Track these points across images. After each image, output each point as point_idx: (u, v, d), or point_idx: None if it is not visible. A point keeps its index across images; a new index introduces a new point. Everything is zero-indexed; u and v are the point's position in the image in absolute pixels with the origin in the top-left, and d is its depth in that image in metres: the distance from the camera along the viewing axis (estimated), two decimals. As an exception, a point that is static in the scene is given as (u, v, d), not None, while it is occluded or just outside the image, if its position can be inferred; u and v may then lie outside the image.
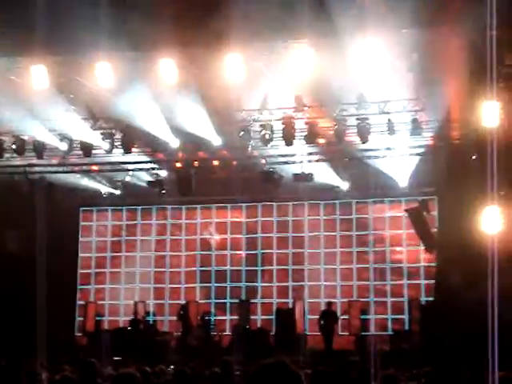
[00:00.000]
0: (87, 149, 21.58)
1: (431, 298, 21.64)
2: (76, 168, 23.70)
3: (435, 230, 21.17)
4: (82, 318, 25.06)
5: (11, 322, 21.70)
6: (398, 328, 23.05)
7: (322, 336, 22.03)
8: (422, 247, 22.11)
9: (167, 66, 17.98)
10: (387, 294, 23.99)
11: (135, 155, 22.36)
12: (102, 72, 18.12)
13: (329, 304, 22.61)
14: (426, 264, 23.18)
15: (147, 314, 24.86)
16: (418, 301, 22.75)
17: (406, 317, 23.11)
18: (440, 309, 19.03)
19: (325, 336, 21.87)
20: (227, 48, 17.19)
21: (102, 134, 21.33)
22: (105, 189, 25.36)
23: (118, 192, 25.50)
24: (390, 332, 23.13)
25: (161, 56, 17.90)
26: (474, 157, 18.14)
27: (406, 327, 22.85)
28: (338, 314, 22.62)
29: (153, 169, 23.46)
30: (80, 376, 8.45)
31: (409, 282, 23.85)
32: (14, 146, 21.50)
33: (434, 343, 17.72)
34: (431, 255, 21.71)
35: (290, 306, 23.71)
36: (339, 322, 22.46)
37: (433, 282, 21.30)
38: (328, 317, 22.09)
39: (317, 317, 22.74)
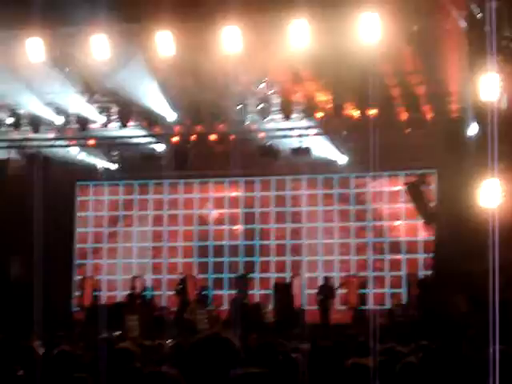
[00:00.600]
0: (83, 123, 21.48)
1: (429, 273, 21.63)
2: (72, 142, 23.55)
3: (434, 204, 21.12)
4: (79, 293, 25.04)
5: (8, 297, 21.69)
6: (395, 302, 23.05)
7: (319, 310, 22.05)
8: (421, 221, 22.06)
9: (164, 38, 17.77)
10: (385, 268, 24.00)
11: (132, 129, 22.24)
12: (99, 45, 17.90)
13: (326, 279, 22.62)
14: (425, 238, 23.14)
15: (145, 288, 24.85)
16: (416, 275, 22.76)
17: (404, 291, 23.11)
18: (438, 283, 19.04)
19: (322, 310, 21.88)
20: (224, 20, 17.01)
21: (98, 107, 21.20)
22: (101, 163, 25.22)
23: (114, 166, 25.35)
24: (387, 306, 23.17)
25: (158, 28, 17.70)
26: (474, 131, 18.06)
27: (404, 302, 22.86)
28: (336, 287, 22.61)
29: (150, 143, 23.32)
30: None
31: (407, 256, 23.84)
32: (9, 120, 21.37)
33: (432, 317, 17.73)
34: (430, 229, 21.67)
35: (288, 280, 23.71)
36: (337, 297, 22.45)
37: (431, 256, 21.30)
38: (325, 291, 22.10)
39: (315, 291, 22.75)
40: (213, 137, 22.78)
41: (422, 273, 23.00)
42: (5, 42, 18.65)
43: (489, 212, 14.11)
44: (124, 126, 21.33)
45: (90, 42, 18.04)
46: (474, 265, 15.20)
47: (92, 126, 21.66)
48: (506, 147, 14.03)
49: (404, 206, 23.61)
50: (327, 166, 23.92)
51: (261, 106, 20.36)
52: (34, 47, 18.13)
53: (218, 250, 25.48)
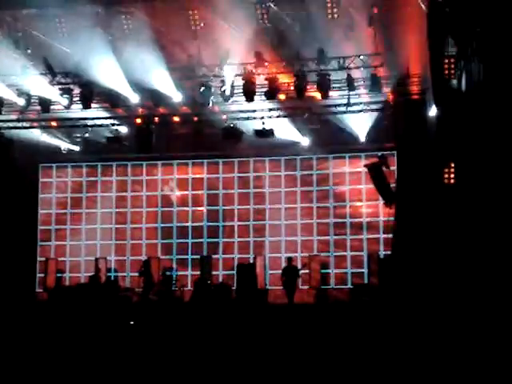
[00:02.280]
0: (46, 104, 21.38)
1: (389, 252, 21.94)
2: (35, 124, 23.42)
3: (394, 184, 21.39)
4: (42, 275, 25.03)
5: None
6: (357, 282, 23.38)
7: (283, 291, 22.29)
8: (381, 202, 22.34)
9: (128, 20, 17.78)
10: (347, 248, 24.28)
11: (94, 111, 22.18)
12: (61, 26, 17.86)
13: (289, 259, 22.82)
14: (385, 218, 23.43)
15: (108, 270, 24.92)
16: (377, 255, 23.07)
17: (365, 270, 23.43)
18: (398, 262, 19.33)
19: (287, 291, 22.10)
20: (188, 2, 17.05)
21: (60, 89, 21.10)
22: (64, 145, 25.12)
23: (77, 148, 25.26)
24: (349, 285, 23.50)
25: (122, 10, 17.69)
26: (434, 112, 18.32)
27: (366, 281, 23.19)
28: (299, 268, 22.84)
29: (112, 125, 23.27)
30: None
31: (368, 236, 24.14)
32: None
33: (393, 296, 18.03)
34: (390, 210, 21.94)
35: (251, 261, 23.90)
36: (300, 277, 22.68)
37: (391, 236, 21.59)
38: (289, 272, 22.31)
39: (278, 272, 22.97)
40: (176, 118, 22.81)
41: (383, 252, 23.35)
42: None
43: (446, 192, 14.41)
44: (86, 107, 21.25)
45: (53, 23, 18.00)
46: (431, 244, 15.51)
47: (54, 107, 21.54)
48: (464, 128, 14.32)
49: (365, 186, 23.89)
50: (290, 147, 24.07)
51: (224, 87, 20.41)
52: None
53: (182, 231, 25.57)
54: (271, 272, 24.18)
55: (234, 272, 23.36)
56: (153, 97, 21.08)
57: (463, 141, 14.96)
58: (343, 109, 21.19)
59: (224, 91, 20.47)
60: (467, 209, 13.88)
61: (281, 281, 22.40)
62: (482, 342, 10.71)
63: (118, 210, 26.09)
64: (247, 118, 22.20)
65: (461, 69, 15.86)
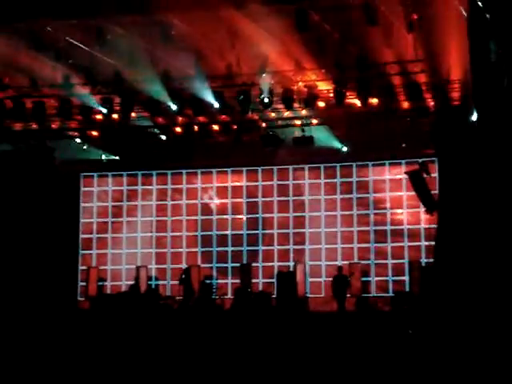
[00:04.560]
0: (87, 113, 21.54)
1: (431, 260, 21.72)
2: (76, 133, 23.61)
3: (435, 191, 21.19)
4: (84, 283, 25.21)
5: (16, 286, 21.84)
6: (398, 289, 23.19)
7: (324, 298, 22.23)
8: (423, 209, 22.14)
9: (167, 28, 17.85)
10: (388, 255, 24.11)
11: (134, 120, 22.30)
12: (101, 36, 18.00)
13: (340, 268, 22.57)
14: (427, 226, 23.25)
15: (149, 278, 25.03)
16: (419, 262, 22.87)
17: (406, 278, 23.24)
18: (440, 270, 19.11)
19: (338, 300, 21.91)
20: (227, 11, 17.06)
21: (101, 98, 21.25)
22: (105, 154, 25.31)
23: (118, 157, 25.44)
24: (390, 293, 23.31)
25: (160, 19, 17.75)
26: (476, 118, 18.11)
27: (407, 289, 23.00)
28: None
29: (153, 133, 23.37)
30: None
31: (409, 243, 23.95)
32: (14, 111, 21.42)
33: (434, 305, 17.82)
34: (431, 217, 21.74)
35: (291, 269, 23.84)
36: (350, 286, 22.47)
37: (433, 243, 21.37)
38: (340, 281, 22.13)
39: (318, 280, 22.92)
40: (215, 127, 22.85)
41: (424, 260, 23.14)
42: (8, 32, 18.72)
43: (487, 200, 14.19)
44: (126, 116, 21.38)
45: (92, 33, 18.14)
46: (474, 253, 15.30)
47: (95, 116, 21.70)
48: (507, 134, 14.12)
49: (406, 193, 23.71)
50: (329, 154, 23.99)
51: (263, 95, 20.41)
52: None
53: (222, 239, 25.60)
54: (311, 280, 24.09)
55: (274, 280, 23.33)
56: (192, 105, 21.14)
57: (505, 147, 14.75)
58: (383, 115, 21.05)
59: (263, 99, 20.46)
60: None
61: (331, 289, 22.22)
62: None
63: (158, 219, 26.22)
64: (286, 126, 22.18)
65: (503, 74, 15.65)
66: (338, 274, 22.41)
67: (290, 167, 25.29)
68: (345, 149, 23.65)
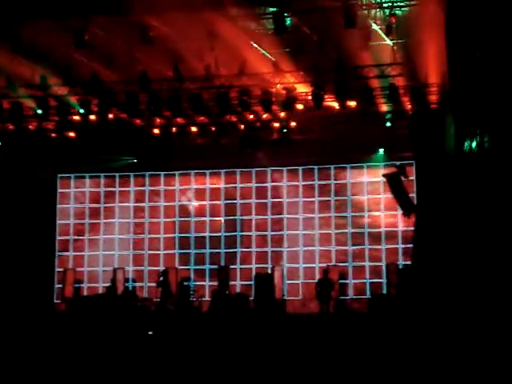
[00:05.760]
0: (64, 114, 21.41)
1: (409, 262, 21.82)
2: (53, 134, 23.45)
3: (413, 194, 21.30)
4: (60, 285, 25.08)
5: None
6: (375, 291, 23.26)
7: (301, 301, 22.21)
8: (400, 211, 22.23)
9: (146, 30, 17.79)
10: (365, 258, 24.17)
11: (112, 121, 22.18)
12: (79, 36, 17.94)
13: (325, 272, 22.39)
14: (404, 228, 23.34)
15: (126, 280, 24.94)
16: (396, 265, 22.96)
17: (383, 280, 23.32)
18: (417, 273, 19.19)
19: (321, 302, 21.73)
20: (206, 13, 17.03)
21: (78, 99, 21.13)
22: (82, 155, 25.14)
23: (95, 158, 25.30)
24: (367, 296, 23.37)
25: (139, 21, 17.68)
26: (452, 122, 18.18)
27: (384, 291, 23.07)
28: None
29: (130, 135, 23.27)
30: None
31: (387, 246, 24.03)
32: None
33: (411, 306, 17.89)
34: (409, 220, 21.84)
35: (269, 271, 23.85)
36: (334, 289, 22.36)
37: (410, 246, 21.48)
38: (324, 284, 21.98)
39: (296, 282, 22.93)
40: (194, 129, 22.81)
41: (402, 262, 23.24)
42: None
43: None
44: (104, 117, 21.28)
45: (70, 34, 18.05)
46: (451, 254, 15.38)
47: (72, 117, 21.58)
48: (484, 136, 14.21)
49: (383, 196, 23.79)
50: (307, 157, 24.02)
51: (241, 97, 20.38)
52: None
53: (200, 241, 25.55)
54: (289, 282, 24.12)
55: (252, 282, 23.34)
56: (170, 107, 21.07)
57: (482, 150, 14.85)
58: (361, 118, 21.10)
59: (241, 101, 20.43)
60: (489, 219, 13.77)
61: (315, 292, 22.07)
62: (504, 357, 10.59)
63: (135, 221, 26.12)
64: (265, 128, 22.17)
65: (479, 79, 15.74)
66: (323, 277, 22.23)
67: (268, 169, 25.29)
68: (322, 151, 23.70)
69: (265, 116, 21.50)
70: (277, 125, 22.10)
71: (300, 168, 25.11)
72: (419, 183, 21.56)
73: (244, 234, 25.38)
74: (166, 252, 25.73)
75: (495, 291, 12.71)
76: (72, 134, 23.23)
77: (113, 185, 26.45)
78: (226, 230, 25.52)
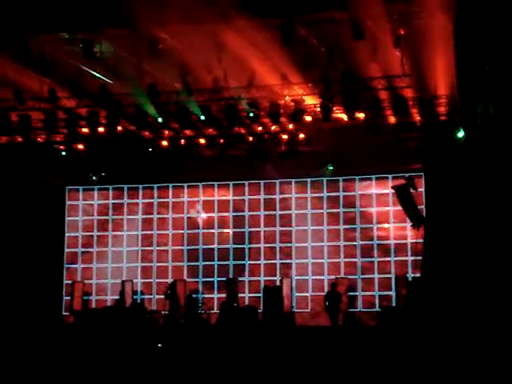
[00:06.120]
0: (73, 127, 21.43)
1: (418, 275, 21.72)
2: (62, 147, 23.48)
3: (422, 206, 21.22)
4: (69, 298, 25.06)
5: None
6: (385, 304, 23.16)
7: (310, 313, 22.14)
8: (409, 224, 22.16)
9: (154, 43, 17.82)
10: (374, 270, 24.09)
11: (121, 133, 22.20)
12: (88, 49, 17.97)
13: (333, 285, 22.36)
14: (413, 240, 23.25)
15: (135, 292, 24.91)
16: (405, 277, 22.86)
17: (393, 293, 23.22)
18: (427, 285, 19.10)
19: (330, 315, 21.69)
20: (214, 26, 17.05)
21: (87, 112, 21.15)
22: (91, 167, 25.19)
23: (104, 171, 25.33)
24: (377, 309, 23.27)
25: (148, 33, 17.71)
26: (462, 134, 18.14)
27: (393, 304, 22.97)
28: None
29: (138, 147, 23.27)
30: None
31: (396, 258, 23.95)
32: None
33: (421, 319, 17.80)
34: (418, 232, 21.76)
35: (278, 283, 23.78)
36: (342, 302, 22.29)
37: (420, 258, 21.37)
38: (333, 297, 21.93)
39: (305, 294, 22.85)
40: (202, 141, 22.80)
41: (411, 275, 23.14)
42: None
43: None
44: (112, 129, 21.28)
45: (80, 47, 18.11)
46: (461, 267, 15.30)
47: (81, 130, 21.60)
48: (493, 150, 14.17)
49: (392, 208, 23.72)
50: (316, 168, 23.99)
51: (249, 109, 20.37)
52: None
53: (208, 254, 25.52)
54: (298, 294, 24.04)
55: (261, 295, 23.27)
56: (179, 119, 21.08)
57: (491, 163, 14.80)
58: (370, 130, 21.06)
59: (250, 113, 20.43)
60: (499, 232, 13.71)
61: (323, 305, 21.98)
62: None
63: (144, 233, 26.11)
64: (273, 140, 22.15)
65: (489, 91, 15.72)
66: (331, 290, 22.16)
67: (277, 181, 25.27)
68: (331, 163, 23.67)
69: (273, 128, 21.49)
70: (285, 137, 22.07)
71: (308, 180, 25.08)
72: (428, 195, 21.47)
73: (252, 246, 25.34)
74: (174, 264, 25.70)
75: (506, 304, 12.63)
76: (81, 147, 23.26)
77: (121, 197, 26.46)
78: (234, 242, 25.48)
